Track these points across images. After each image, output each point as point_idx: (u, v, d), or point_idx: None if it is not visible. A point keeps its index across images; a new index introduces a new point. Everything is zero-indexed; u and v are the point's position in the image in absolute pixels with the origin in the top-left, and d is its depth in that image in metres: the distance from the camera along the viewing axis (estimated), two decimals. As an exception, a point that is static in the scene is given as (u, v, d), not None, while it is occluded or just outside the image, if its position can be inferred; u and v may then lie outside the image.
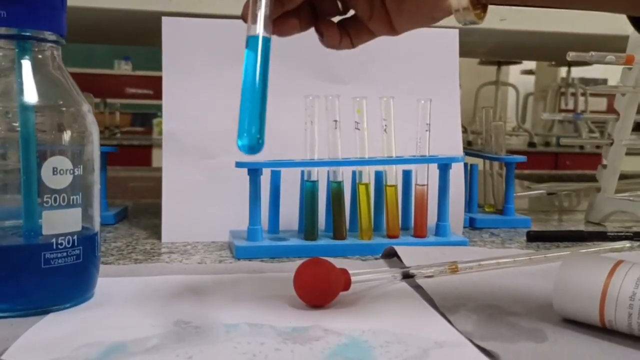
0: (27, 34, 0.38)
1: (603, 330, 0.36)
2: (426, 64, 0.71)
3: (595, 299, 0.35)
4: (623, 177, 0.84)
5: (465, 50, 0.75)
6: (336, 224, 0.60)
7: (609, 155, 0.81)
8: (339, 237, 0.60)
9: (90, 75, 3.62)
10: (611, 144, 0.81)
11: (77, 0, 0.66)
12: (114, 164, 0.75)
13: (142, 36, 0.90)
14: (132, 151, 3.20)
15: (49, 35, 0.39)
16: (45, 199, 0.38)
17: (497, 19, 0.83)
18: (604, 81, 3.25)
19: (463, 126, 0.71)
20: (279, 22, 0.39)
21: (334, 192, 0.60)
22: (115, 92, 3.77)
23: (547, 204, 1.06)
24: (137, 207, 0.87)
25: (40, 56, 0.39)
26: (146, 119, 3.90)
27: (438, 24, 0.40)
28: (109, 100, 3.65)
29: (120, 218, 0.76)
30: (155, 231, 0.68)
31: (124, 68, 3.95)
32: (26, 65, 0.39)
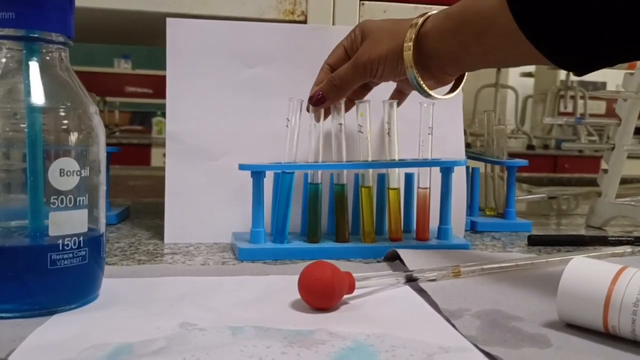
0: (35, 35, 0.38)
1: (607, 336, 0.36)
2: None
3: (599, 304, 0.35)
4: (624, 181, 0.84)
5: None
6: (339, 227, 0.60)
7: (610, 160, 0.82)
8: (341, 240, 0.60)
9: (90, 73, 3.62)
10: (612, 148, 0.81)
11: (80, 0, 0.66)
12: (113, 162, 0.75)
13: (144, 36, 0.90)
14: (131, 150, 3.20)
15: (57, 36, 0.39)
16: (51, 200, 0.38)
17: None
18: (603, 85, 3.27)
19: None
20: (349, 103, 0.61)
21: (337, 194, 0.60)
22: (115, 91, 3.77)
23: (546, 207, 1.06)
24: (138, 206, 0.87)
25: (47, 57, 0.39)
26: (145, 117, 3.89)
27: None
28: (108, 99, 3.65)
29: (123, 218, 0.76)
30: (157, 231, 0.68)
31: (123, 67, 3.94)
32: (34, 66, 0.39)
